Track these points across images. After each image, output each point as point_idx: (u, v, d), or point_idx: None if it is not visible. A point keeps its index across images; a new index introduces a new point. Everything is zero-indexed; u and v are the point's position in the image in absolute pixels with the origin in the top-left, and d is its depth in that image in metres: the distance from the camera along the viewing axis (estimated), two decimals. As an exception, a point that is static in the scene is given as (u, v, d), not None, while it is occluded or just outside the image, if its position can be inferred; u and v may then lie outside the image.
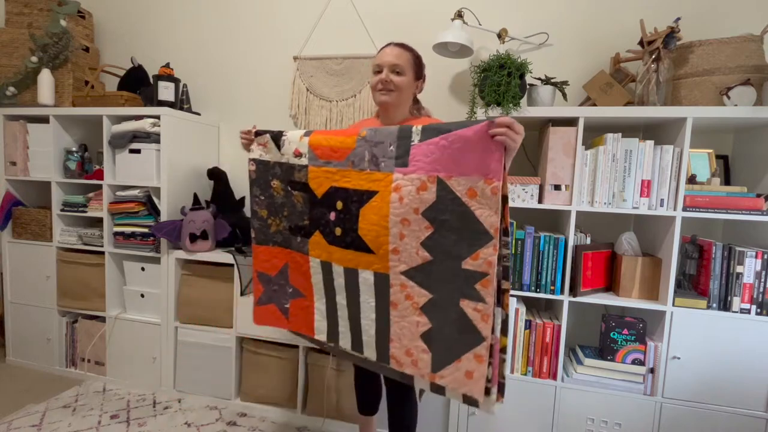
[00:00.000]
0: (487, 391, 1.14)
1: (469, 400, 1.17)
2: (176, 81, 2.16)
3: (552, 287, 1.68)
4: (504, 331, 1.15)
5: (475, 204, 1.10)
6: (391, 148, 1.20)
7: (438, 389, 1.23)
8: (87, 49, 2.41)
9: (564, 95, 1.76)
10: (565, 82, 1.75)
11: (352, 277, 1.30)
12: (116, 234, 2.19)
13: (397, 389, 1.48)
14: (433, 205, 1.15)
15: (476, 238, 1.10)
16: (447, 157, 1.12)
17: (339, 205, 1.30)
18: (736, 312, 1.54)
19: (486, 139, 1.07)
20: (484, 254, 1.10)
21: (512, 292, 1.71)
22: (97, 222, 2.29)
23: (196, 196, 2.24)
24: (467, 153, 1.10)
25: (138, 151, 2.10)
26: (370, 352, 1.32)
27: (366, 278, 1.27)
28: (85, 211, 2.26)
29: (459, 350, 1.16)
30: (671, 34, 1.56)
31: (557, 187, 1.65)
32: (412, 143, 1.17)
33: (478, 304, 1.12)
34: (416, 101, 1.48)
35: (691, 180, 1.61)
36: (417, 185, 1.16)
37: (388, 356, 1.28)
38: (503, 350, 1.15)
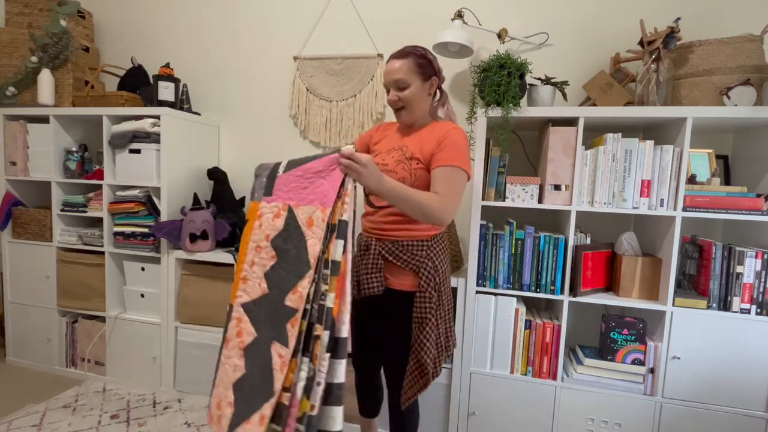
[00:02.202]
0: None
1: None
2: (176, 81, 2.15)
3: (552, 287, 1.68)
4: (308, 392, 0.95)
5: (310, 233, 1.11)
6: (263, 179, 1.26)
7: None
8: (87, 49, 2.41)
9: (564, 95, 1.76)
10: (565, 82, 1.75)
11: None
12: (116, 234, 2.19)
13: (400, 395, 1.47)
14: (280, 233, 1.18)
15: (301, 269, 1.09)
16: (300, 187, 1.18)
17: None
18: (736, 312, 1.54)
19: (330, 170, 1.12)
20: (301, 287, 1.07)
21: (512, 292, 1.71)
22: (97, 222, 2.29)
23: (196, 196, 2.24)
24: (315, 183, 1.14)
25: (138, 151, 2.10)
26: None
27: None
28: (85, 211, 2.26)
29: (254, 406, 1.06)
30: (671, 34, 1.56)
31: (557, 187, 1.65)
32: (278, 174, 1.23)
33: (282, 348, 1.05)
34: (442, 98, 1.45)
35: (691, 180, 1.61)
36: (274, 212, 1.22)
37: (209, 405, 1.21)
38: (300, 420, 0.94)
